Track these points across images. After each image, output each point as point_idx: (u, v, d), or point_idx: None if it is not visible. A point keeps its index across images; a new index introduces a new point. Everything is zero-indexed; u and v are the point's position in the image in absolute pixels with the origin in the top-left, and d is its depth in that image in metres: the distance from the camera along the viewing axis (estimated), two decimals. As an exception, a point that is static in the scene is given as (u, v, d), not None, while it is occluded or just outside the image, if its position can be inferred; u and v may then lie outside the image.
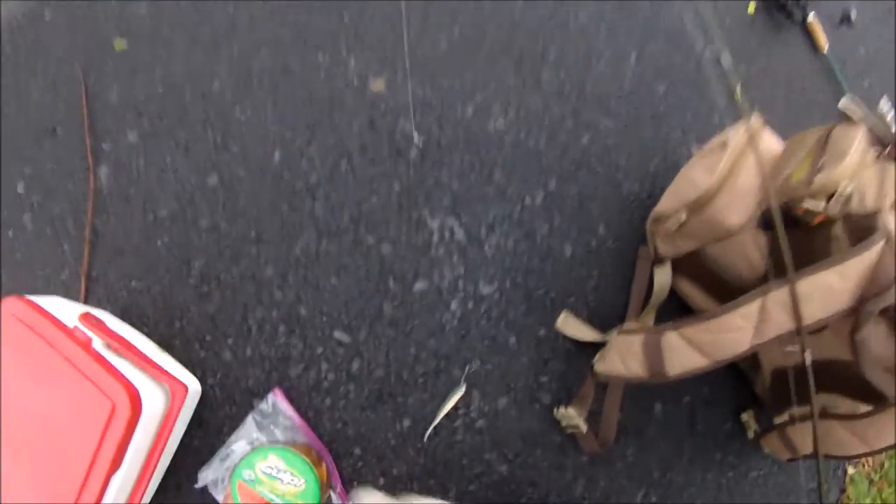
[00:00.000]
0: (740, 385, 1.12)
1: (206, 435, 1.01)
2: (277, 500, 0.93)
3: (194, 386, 0.99)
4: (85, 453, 0.80)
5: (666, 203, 0.98)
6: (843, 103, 1.05)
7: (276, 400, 1.01)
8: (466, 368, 1.04)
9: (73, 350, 0.81)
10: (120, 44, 1.19)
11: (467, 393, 1.04)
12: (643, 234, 1.07)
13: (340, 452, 1.03)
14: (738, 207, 0.86)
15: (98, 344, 0.86)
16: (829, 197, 0.75)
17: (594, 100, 1.17)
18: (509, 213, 1.09)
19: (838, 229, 0.78)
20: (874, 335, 0.76)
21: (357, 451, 1.03)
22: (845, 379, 0.84)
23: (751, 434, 1.11)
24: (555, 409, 1.05)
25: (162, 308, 1.01)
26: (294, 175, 1.07)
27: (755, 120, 0.88)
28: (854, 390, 0.84)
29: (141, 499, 0.91)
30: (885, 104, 1.39)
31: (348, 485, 1.03)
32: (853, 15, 1.41)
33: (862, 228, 0.73)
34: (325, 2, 1.16)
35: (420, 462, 1.04)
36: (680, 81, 1.22)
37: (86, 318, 0.88)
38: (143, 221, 1.04)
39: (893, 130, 0.86)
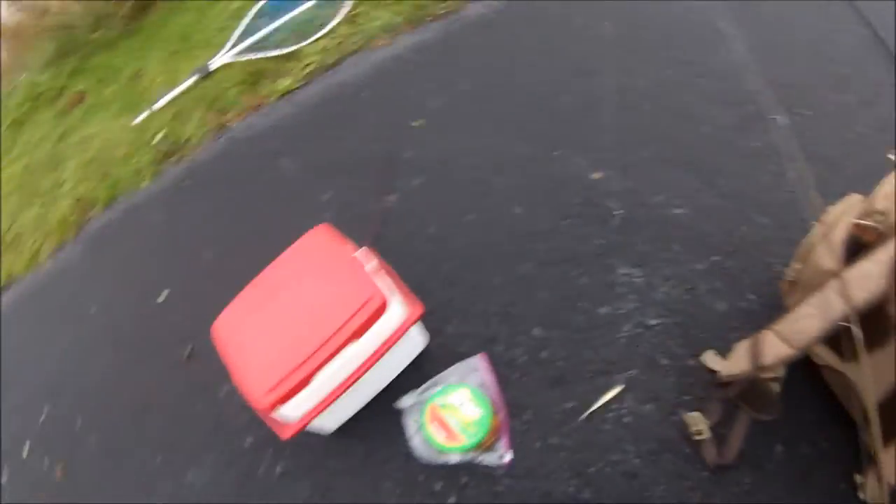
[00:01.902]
0: (857, 448, 1.64)
1: (417, 378, 1.91)
2: (453, 421, 1.77)
3: (422, 341, 1.93)
4: (335, 323, 1.65)
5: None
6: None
7: (479, 361, 1.90)
8: (625, 374, 1.86)
9: (352, 258, 1.76)
10: (417, 123, 2.45)
11: (622, 394, 1.83)
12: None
13: (514, 414, 1.85)
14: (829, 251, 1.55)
15: (370, 266, 1.77)
16: None
17: (756, 203, 2.08)
18: (679, 272, 1.97)
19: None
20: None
21: (527, 416, 1.85)
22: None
23: (862, 496, 1.59)
24: (685, 414, 1.77)
25: (414, 289, 1.90)
26: (527, 223, 2.09)
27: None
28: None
29: (359, 376, 1.72)
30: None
31: (513, 440, 1.84)
32: None
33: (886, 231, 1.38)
34: (566, 125, 2.40)
35: (573, 437, 1.81)
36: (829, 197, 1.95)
37: (366, 251, 1.83)
38: (415, 233, 2.11)
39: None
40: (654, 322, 1.95)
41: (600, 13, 2.74)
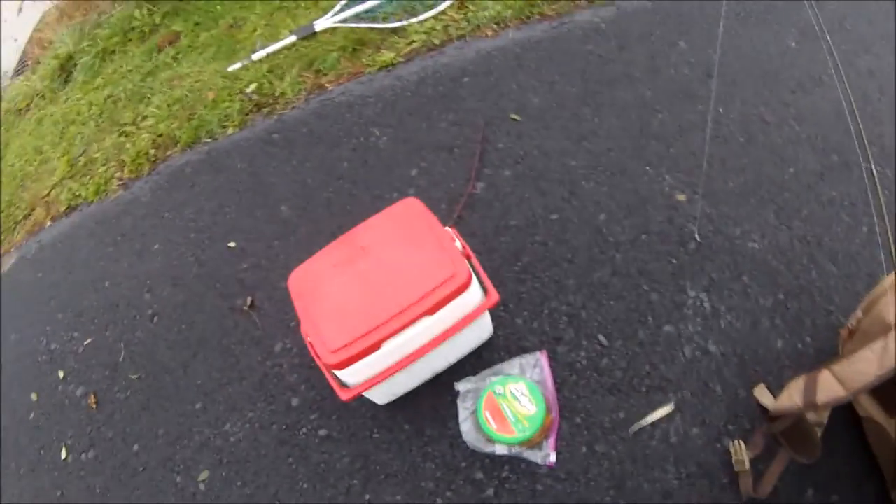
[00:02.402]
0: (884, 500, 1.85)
1: (477, 365, 2.11)
2: (509, 412, 1.93)
3: (489, 330, 2.11)
4: (414, 294, 1.79)
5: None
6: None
7: (541, 358, 2.07)
8: (679, 395, 2.04)
9: (441, 234, 1.90)
10: (515, 115, 2.69)
11: (672, 413, 2.01)
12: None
13: (567, 415, 2.03)
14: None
15: (458, 245, 1.94)
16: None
17: (828, 250, 2.26)
18: (745, 305, 2.14)
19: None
20: None
21: (578, 420, 2.03)
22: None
23: None
24: (730, 442, 1.94)
25: (491, 280, 2.05)
26: (609, 232, 2.29)
27: None
28: None
29: (427, 351, 1.88)
30: None
31: (559, 441, 2.03)
32: None
33: None
34: (659, 143, 2.62)
35: (619, 449, 1.98)
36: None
37: (452, 230, 2.03)
38: (497, 223, 2.30)
39: None
40: (714, 348, 2.13)
41: (708, 40, 2.93)
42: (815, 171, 2.50)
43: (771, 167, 2.51)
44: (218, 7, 4.05)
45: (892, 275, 1.81)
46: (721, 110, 2.69)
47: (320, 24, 3.28)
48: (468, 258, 1.99)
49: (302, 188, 2.61)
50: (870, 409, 1.87)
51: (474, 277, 1.94)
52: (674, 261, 2.28)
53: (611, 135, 2.54)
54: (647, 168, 2.48)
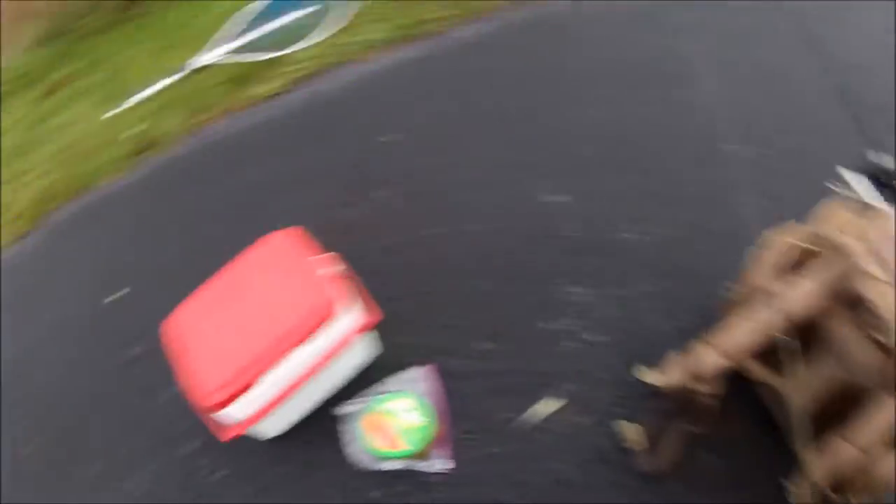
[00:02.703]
0: (786, 456, 1.84)
1: (364, 387, 2.12)
2: (396, 428, 1.96)
3: (374, 349, 2.13)
4: (282, 327, 1.82)
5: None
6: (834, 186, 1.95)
7: (425, 371, 2.10)
8: (564, 387, 2.07)
9: (307, 265, 1.93)
10: (391, 137, 2.59)
11: (563, 405, 2.05)
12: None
13: (457, 424, 2.05)
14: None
15: (328, 272, 1.96)
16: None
17: (704, 232, 2.36)
18: (623, 293, 2.20)
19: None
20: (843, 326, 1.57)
21: (469, 426, 2.05)
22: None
23: (791, 500, 1.78)
24: (623, 424, 1.99)
25: (372, 297, 2.15)
26: (488, 241, 2.37)
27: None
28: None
29: (304, 382, 1.90)
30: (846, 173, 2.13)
31: (454, 448, 2.04)
32: None
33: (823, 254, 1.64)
34: (534, 149, 2.64)
35: (512, 447, 2.01)
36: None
37: (329, 257, 2.04)
38: (376, 244, 2.36)
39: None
40: (595, 339, 2.19)
41: (578, 46, 3.05)
42: (692, 158, 2.59)
43: (647, 160, 2.62)
44: (107, 48, 4.05)
45: (764, 243, 1.90)
46: (591, 112, 2.79)
47: (202, 61, 3.32)
48: (349, 281, 2.05)
49: (188, 228, 2.63)
50: (759, 372, 1.94)
51: (351, 302, 1.98)
52: (550, 261, 2.35)
53: (483, 146, 2.62)
54: (521, 174, 2.56)
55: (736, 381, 1.95)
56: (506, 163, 2.59)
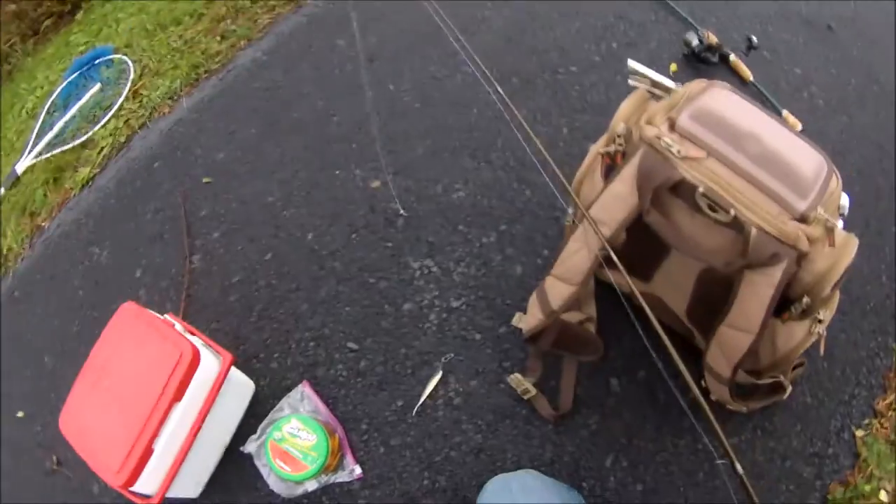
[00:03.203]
0: (696, 359, 1.84)
1: (257, 422, 2.07)
2: (295, 451, 1.93)
3: (250, 385, 2.10)
4: (156, 388, 1.82)
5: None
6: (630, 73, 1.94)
7: (304, 389, 2.07)
8: (442, 360, 2.07)
9: (159, 325, 1.93)
10: (207, 179, 2.69)
11: (444, 378, 2.04)
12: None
13: (352, 427, 2.03)
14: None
15: (177, 327, 1.97)
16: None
17: (533, 166, 2.23)
18: (470, 251, 2.22)
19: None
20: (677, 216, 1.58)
21: (364, 426, 2.04)
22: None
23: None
24: (509, 378, 1.99)
25: (232, 339, 2.16)
26: (321, 246, 2.28)
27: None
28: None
29: (196, 433, 1.87)
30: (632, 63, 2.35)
31: (357, 451, 2.03)
32: (755, 41, 2.66)
33: (632, 151, 1.61)
34: (341, 143, 2.66)
35: (412, 434, 2.01)
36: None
37: (172, 315, 2.04)
38: (221, 285, 2.27)
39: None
40: (457, 304, 2.20)
41: (363, 29, 3.04)
42: (497, 100, 2.59)
43: (454, 117, 2.65)
44: None
45: (587, 157, 1.88)
46: (392, 87, 2.82)
47: (21, 166, 3.25)
48: (193, 335, 2.06)
49: (54, 333, 2.56)
50: (626, 285, 1.94)
51: (205, 349, 1.99)
52: (389, 244, 2.35)
53: (296, 157, 2.61)
54: (337, 172, 2.55)
55: (613, 297, 1.97)
56: (319, 166, 2.61)
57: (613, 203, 1.63)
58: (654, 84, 1.89)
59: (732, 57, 2.73)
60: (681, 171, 1.53)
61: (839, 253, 1.51)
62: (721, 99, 1.65)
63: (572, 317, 2.06)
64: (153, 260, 2.48)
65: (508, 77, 2.77)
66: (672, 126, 1.60)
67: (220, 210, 2.51)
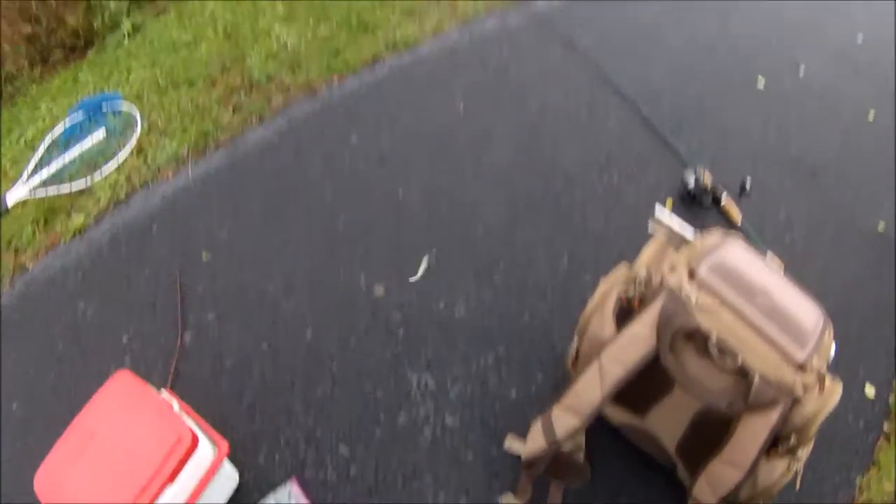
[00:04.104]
0: (674, 490, 2.05)
1: None
2: None
3: (234, 477, 2.11)
4: (149, 468, 1.83)
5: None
6: (651, 225, 2.17)
7: (292, 487, 2.11)
8: (435, 475, 2.13)
9: (156, 402, 1.95)
10: (206, 255, 2.75)
11: (435, 493, 2.12)
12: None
13: None
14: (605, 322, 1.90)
15: (175, 407, 1.98)
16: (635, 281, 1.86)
17: (534, 290, 2.50)
18: (468, 370, 2.30)
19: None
20: (687, 359, 1.73)
21: None
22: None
23: None
24: (500, 498, 2.08)
25: (218, 425, 2.09)
26: (319, 345, 2.34)
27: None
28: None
29: None
30: (659, 211, 2.42)
31: None
32: (748, 184, 2.90)
33: (651, 295, 1.79)
34: (347, 243, 2.76)
35: None
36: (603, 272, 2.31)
37: (167, 393, 2.08)
38: (213, 367, 2.30)
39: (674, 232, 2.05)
40: (451, 421, 2.28)
41: (377, 127, 3.21)
42: (504, 221, 2.76)
43: (459, 232, 2.78)
44: None
45: (597, 292, 2.02)
46: (401, 193, 2.94)
47: (12, 198, 3.21)
48: (189, 415, 2.05)
49: (26, 380, 2.51)
50: (621, 417, 2.11)
51: (200, 434, 1.99)
52: (388, 353, 2.43)
53: (300, 248, 2.69)
54: (341, 271, 2.63)
55: (604, 428, 2.15)
56: (324, 262, 2.69)
57: (632, 344, 1.78)
58: (673, 233, 2.12)
59: (724, 200, 2.98)
60: (698, 319, 1.72)
61: (826, 398, 1.72)
62: (736, 253, 1.89)
63: (564, 445, 2.15)
64: (142, 327, 2.50)
65: (515, 199, 2.96)
66: (692, 276, 1.81)
67: (218, 290, 2.55)
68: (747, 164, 3.33)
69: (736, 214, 2.97)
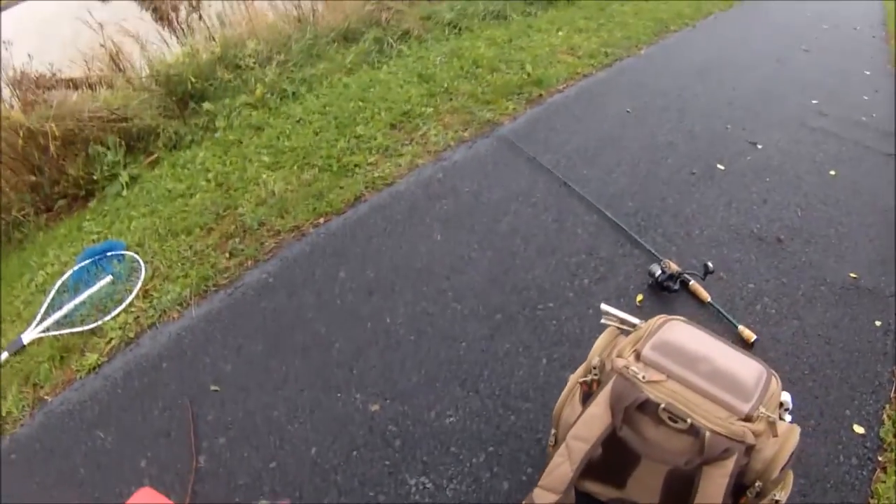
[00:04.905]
0: None
1: None
2: None
3: None
4: None
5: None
6: (603, 313, 2.45)
7: None
8: None
9: None
10: (214, 386, 3.06)
11: None
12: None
13: None
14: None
15: None
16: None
17: (517, 394, 2.77)
18: (461, 469, 2.55)
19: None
20: (645, 428, 2.00)
21: None
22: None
23: None
24: None
25: None
26: (323, 460, 2.59)
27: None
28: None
29: None
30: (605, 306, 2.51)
31: None
32: (710, 266, 3.20)
33: (605, 378, 2.09)
34: (343, 367, 3.10)
35: None
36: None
37: None
38: (227, 486, 2.54)
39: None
40: (452, 518, 2.49)
41: (363, 261, 3.61)
42: (485, 335, 3.09)
43: (445, 349, 3.11)
44: None
45: (567, 385, 2.31)
46: (388, 320, 3.29)
47: (27, 337, 3.50)
48: None
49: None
50: (603, 492, 2.35)
51: None
52: (387, 462, 2.69)
53: (300, 376, 3.00)
54: (339, 394, 2.94)
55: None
56: (322, 387, 2.99)
57: (591, 422, 2.07)
58: (622, 321, 2.43)
59: (692, 283, 3.36)
60: (646, 393, 2.00)
61: (783, 440, 1.97)
62: (677, 331, 2.20)
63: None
64: (158, 453, 2.76)
65: (493, 314, 3.29)
66: (638, 357, 2.12)
67: (227, 417, 2.83)
68: (713, 245, 3.77)
69: (704, 294, 3.33)
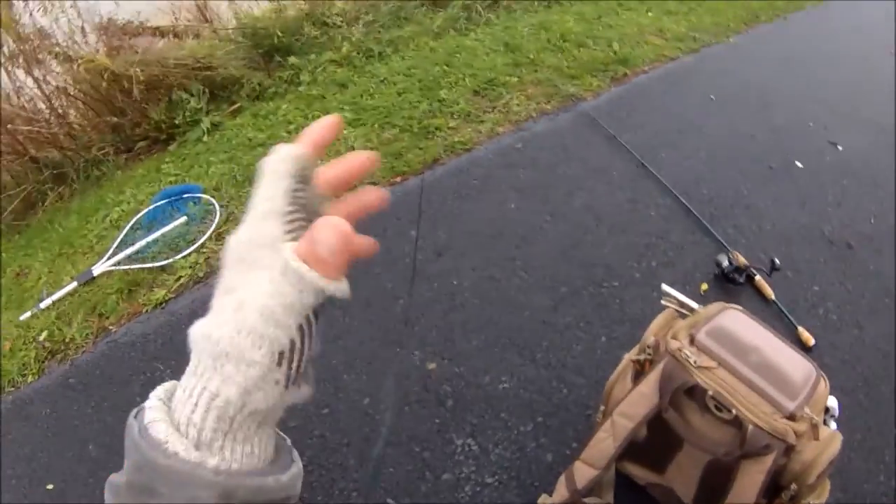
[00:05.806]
0: None
1: None
2: None
3: None
4: None
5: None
6: (664, 296, 2.50)
7: None
8: None
9: None
10: None
11: None
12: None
13: None
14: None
15: None
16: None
17: (573, 367, 2.83)
18: (508, 436, 2.63)
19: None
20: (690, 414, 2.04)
21: None
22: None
23: None
24: None
25: None
26: (375, 411, 2.72)
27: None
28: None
29: None
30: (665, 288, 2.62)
31: None
32: (777, 263, 3.16)
33: (658, 359, 2.14)
34: (404, 324, 3.22)
35: None
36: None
37: None
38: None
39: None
40: (491, 480, 2.59)
41: (435, 224, 3.74)
42: (548, 306, 3.14)
43: (507, 316, 3.17)
44: (3, 256, 4.38)
45: (621, 363, 2.36)
46: (455, 282, 3.38)
47: (98, 269, 3.70)
48: None
49: (104, 427, 2.90)
50: (642, 475, 2.38)
51: None
52: (437, 420, 2.78)
53: (360, 328, 3.12)
54: (398, 349, 3.04)
55: (630, 487, 2.42)
56: (382, 341, 3.14)
57: (639, 400, 2.12)
58: (682, 304, 2.48)
59: (757, 278, 3.33)
60: (696, 378, 2.03)
61: (824, 446, 1.94)
62: (733, 319, 2.22)
63: (592, 501, 2.45)
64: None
65: (558, 286, 3.35)
66: (692, 341, 2.14)
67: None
68: (782, 242, 3.73)
69: (769, 291, 3.30)
